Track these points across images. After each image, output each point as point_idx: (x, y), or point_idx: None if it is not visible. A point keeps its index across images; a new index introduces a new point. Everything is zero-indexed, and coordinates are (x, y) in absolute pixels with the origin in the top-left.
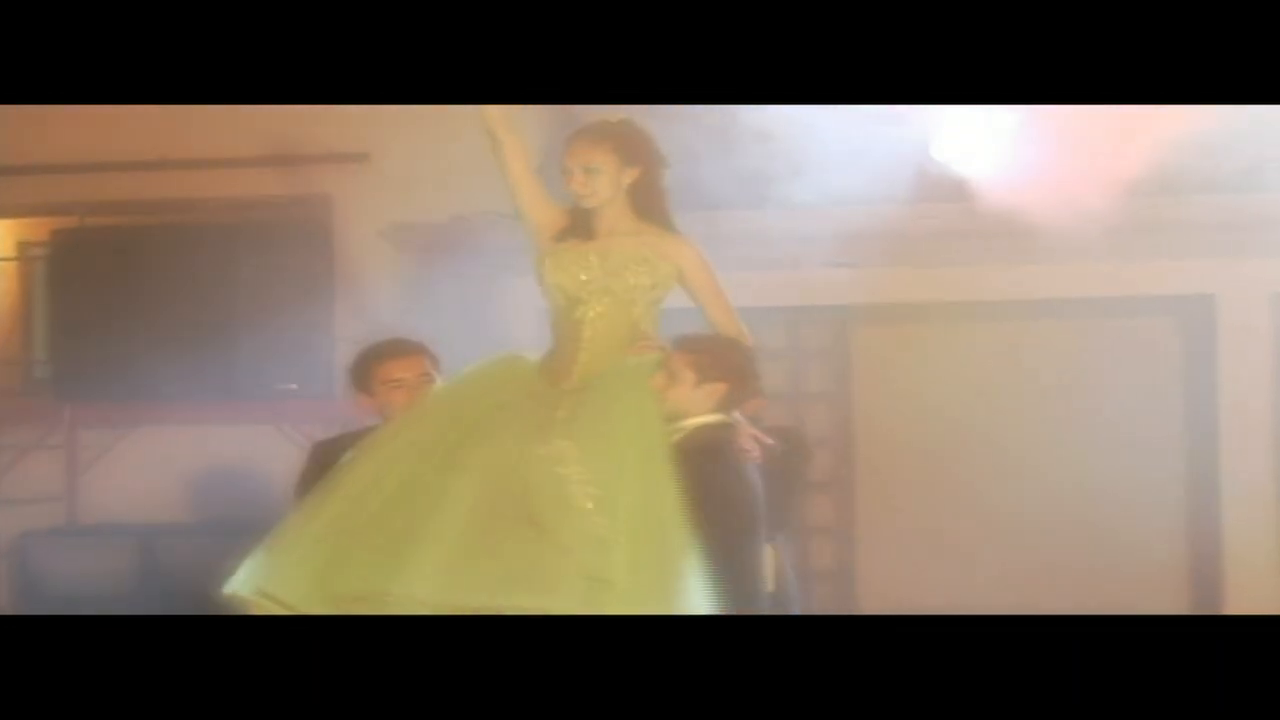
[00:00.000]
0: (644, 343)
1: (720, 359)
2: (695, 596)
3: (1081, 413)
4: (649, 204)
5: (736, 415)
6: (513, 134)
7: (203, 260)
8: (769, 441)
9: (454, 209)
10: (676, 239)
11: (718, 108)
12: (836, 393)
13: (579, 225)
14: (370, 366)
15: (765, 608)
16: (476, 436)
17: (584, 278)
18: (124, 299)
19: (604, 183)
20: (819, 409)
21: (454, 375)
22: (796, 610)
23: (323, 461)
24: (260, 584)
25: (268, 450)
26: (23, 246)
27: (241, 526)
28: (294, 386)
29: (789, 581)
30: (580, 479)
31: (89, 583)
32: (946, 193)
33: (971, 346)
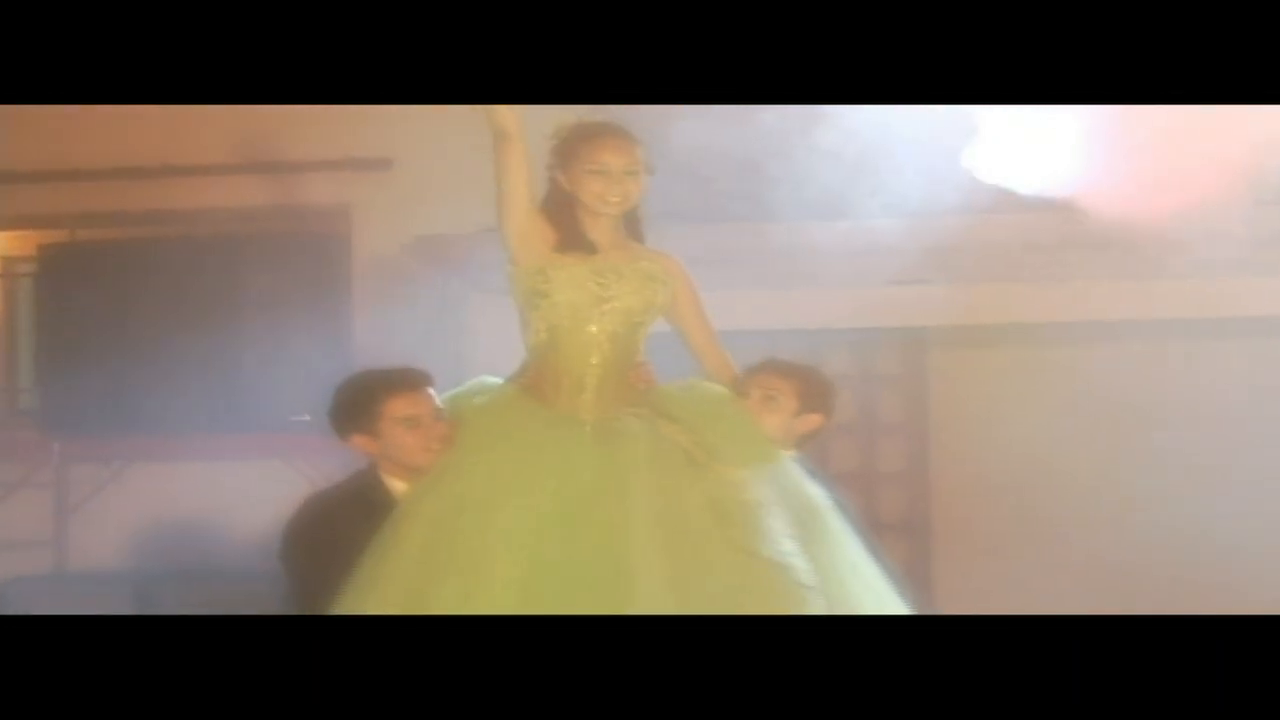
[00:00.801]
0: (642, 368)
1: (821, 390)
2: (892, 603)
3: (1188, 445)
4: (636, 217)
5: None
6: (522, 135)
7: (206, 278)
8: None
9: (483, 220)
10: (667, 256)
11: (778, 111)
12: (911, 423)
13: (574, 238)
14: (376, 401)
15: None
16: (597, 472)
17: (604, 294)
18: (119, 320)
19: (636, 188)
20: (892, 441)
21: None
22: None
23: (321, 517)
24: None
25: (277, 488)
26: (7, 262)
27: (248, 574)
28: (307, 418)
29: None
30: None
31: None
32: (1035, 201)
33: (1061, 372)
